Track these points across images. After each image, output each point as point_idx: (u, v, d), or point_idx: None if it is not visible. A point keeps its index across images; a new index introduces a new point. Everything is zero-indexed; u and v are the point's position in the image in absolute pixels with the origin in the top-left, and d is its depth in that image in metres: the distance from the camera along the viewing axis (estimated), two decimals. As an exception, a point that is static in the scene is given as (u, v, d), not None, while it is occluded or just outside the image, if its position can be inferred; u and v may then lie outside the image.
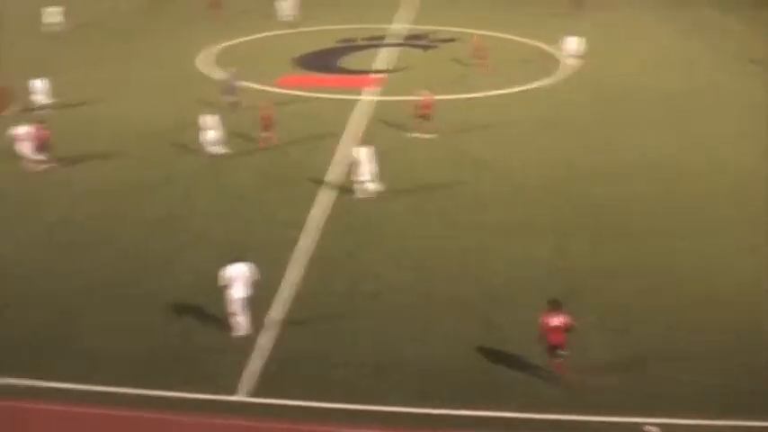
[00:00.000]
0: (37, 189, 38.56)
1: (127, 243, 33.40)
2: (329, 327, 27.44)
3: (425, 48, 66.50)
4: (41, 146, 40.46)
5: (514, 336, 26.55)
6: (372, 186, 37.06)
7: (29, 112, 47.79)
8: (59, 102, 49.66)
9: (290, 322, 27.66)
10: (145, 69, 59.70)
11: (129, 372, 25.12)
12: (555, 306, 24.06)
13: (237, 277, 26.85)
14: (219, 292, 27.27)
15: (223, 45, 66.94)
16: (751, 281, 30.32)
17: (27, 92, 49.66)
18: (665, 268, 31.19)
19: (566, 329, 23.84)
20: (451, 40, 68.58)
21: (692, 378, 24.75)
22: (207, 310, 28.09)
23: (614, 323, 27.58)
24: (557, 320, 23.85)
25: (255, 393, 24.20)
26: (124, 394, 24.10)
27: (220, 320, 27.36)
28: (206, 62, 61.77)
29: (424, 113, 44.65)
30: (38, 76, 50.18)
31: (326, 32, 71.00)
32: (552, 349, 24.02)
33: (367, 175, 37.09)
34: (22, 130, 40.56)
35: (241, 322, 27.03)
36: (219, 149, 41.80)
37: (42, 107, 48.71)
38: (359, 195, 37.07)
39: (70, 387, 24.38)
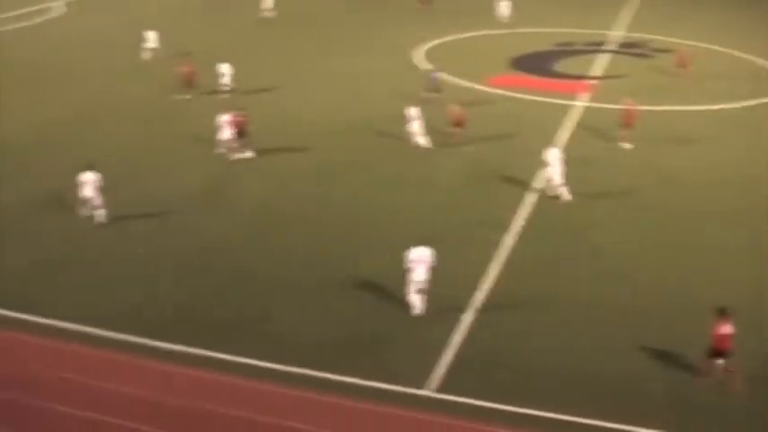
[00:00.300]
0: (237, 175, 39.71)
1: (323, 230, 34.18)
2: (521, 330, 27.43)
3: (641, 56, 65.18)
4: (239, 132, 41.07)
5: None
6: (561, 189, 37.05)
7: (213, 94, 50.01)
8: (271, 87, 52.09)
9: (483, 322, 27.76)
10: (361, 60, 60.86)
11: (317, 355, 25.75)
12: (724, 314, 24.40)
13: (420, 260, 27.64)
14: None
15: (438, 41, 67.39)
16: None
17: (214, 75, 51.82)
18: None
19: (732, 337, 24.31)
20: (669, 50, 66.92)
21: None
22: (400, 301, 28.47)
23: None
24: (727, 328, 24.31)
25: (441, 389, 24.38)
26: (311, 377, 24.76)
27: (413, 311, 27.89)
28: (421, 56, 62.21)
29: (625, 122, 43.90)
30: (235, 60, 52.64)
31: (545, 35, 70.48)
32: (717, 355, 24.50)
33: (557, 177, 37.10)
34: (225, 117, 41.13)
35: (415, 302, 27.85)
36: (423, 142, 42.19)
37: (225, 90, 50.68)
38: (549, 195, 37.27)
39: (256, 363, 25.29)
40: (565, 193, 37.12)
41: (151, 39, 59.54)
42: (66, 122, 46.27)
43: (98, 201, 34.17)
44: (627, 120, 43.96)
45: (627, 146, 43.55)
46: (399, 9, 79.68)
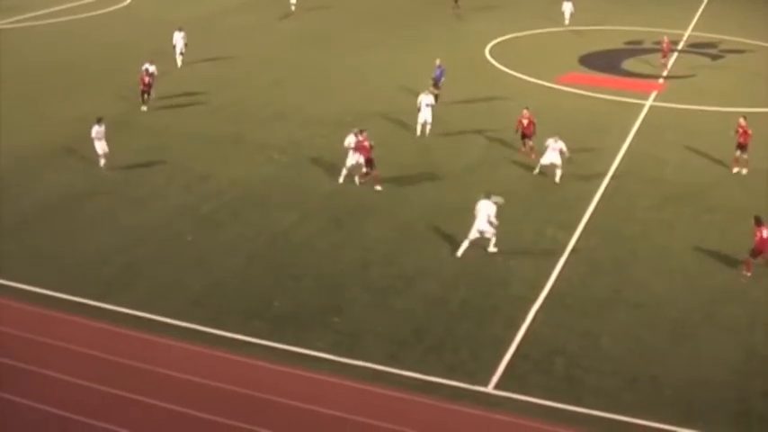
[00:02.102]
0: (305, 168, 39.82)
1: (390, 225, 34.22)
2: (587, 331, 27.35)
3: (714, 57, 64.47)
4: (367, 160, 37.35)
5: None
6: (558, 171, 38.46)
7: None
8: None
9: (547, 321, 27.75)
10: (421, 56, 60.52)
11: (380, 349, 25.94)
12: (760, 222, 30.48)
13: (483, 209, 31.07)
14: (486, 283, 29.23)
15: (501, 38, 67.09)
16: None
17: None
18: None
19: None
20: (741, 51, 66.27)
21: None
22: (470, 299, 28.80)
23: None
24: (765, 233, 30.29)
25: (502, 386, 24.40)
26: (373, 370, 24.96)
27: (482, 312, 28.08)
28: (486, 53, 62.04)
29: (740, 144, 40.18)
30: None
31: (613, 33, 69.82)
32: (757, 255, 30.57)
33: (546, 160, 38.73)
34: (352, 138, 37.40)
35: (463, 248, 31.23)
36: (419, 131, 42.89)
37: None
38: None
39: (329, 357, 25.43)
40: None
41: (179, 42, 55.33)
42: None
43: (100, 150, 37.94)
44: (742, 140, 40.06)
45: (744, 171, 40.48)
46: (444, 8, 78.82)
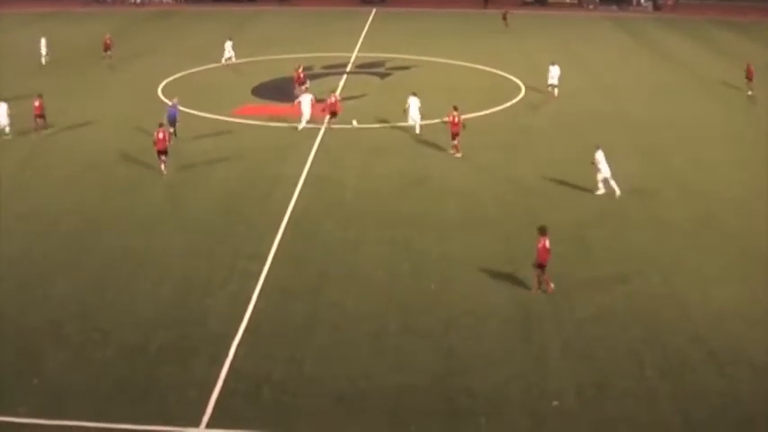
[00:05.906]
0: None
1: (86, 277, 32.85)
2: (290, 357, 27.31)
3: (382, 76, 66.71)
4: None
5: (475, 365, 26.74)
6: None
7: None
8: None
9: (252, 354, 27.52)
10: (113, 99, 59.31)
11: (87, 405, 24.81)
12: (543, 231, 30.64)
13: (412, 103, 48.16)
14: (182, 324, 28.62)
15: (175, 76, 66.78)
16: (718, 302, 30.94)
17: None
18: (631, 292, 31.53)
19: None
20: (407, 67, 69.03)
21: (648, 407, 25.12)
22: (169, 343, 28.14)
23: (577, 348, 27.82)
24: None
25: (214, 424, 24.03)
26: (88, 428, 23.87)
27: (183, 354, 27.48)
28: (159, 92, 61.44)
29: (453, 132, 45.98)
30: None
31: (283, 62, 70.62)
32: (542, 266, 30.56)
33: None
34: None
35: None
36: None
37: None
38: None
39: (33, 422, 24.09)
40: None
41: None
42: None
43: None
44: (453, 129, 45.78)
45: (458, 154, 45.87)
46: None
